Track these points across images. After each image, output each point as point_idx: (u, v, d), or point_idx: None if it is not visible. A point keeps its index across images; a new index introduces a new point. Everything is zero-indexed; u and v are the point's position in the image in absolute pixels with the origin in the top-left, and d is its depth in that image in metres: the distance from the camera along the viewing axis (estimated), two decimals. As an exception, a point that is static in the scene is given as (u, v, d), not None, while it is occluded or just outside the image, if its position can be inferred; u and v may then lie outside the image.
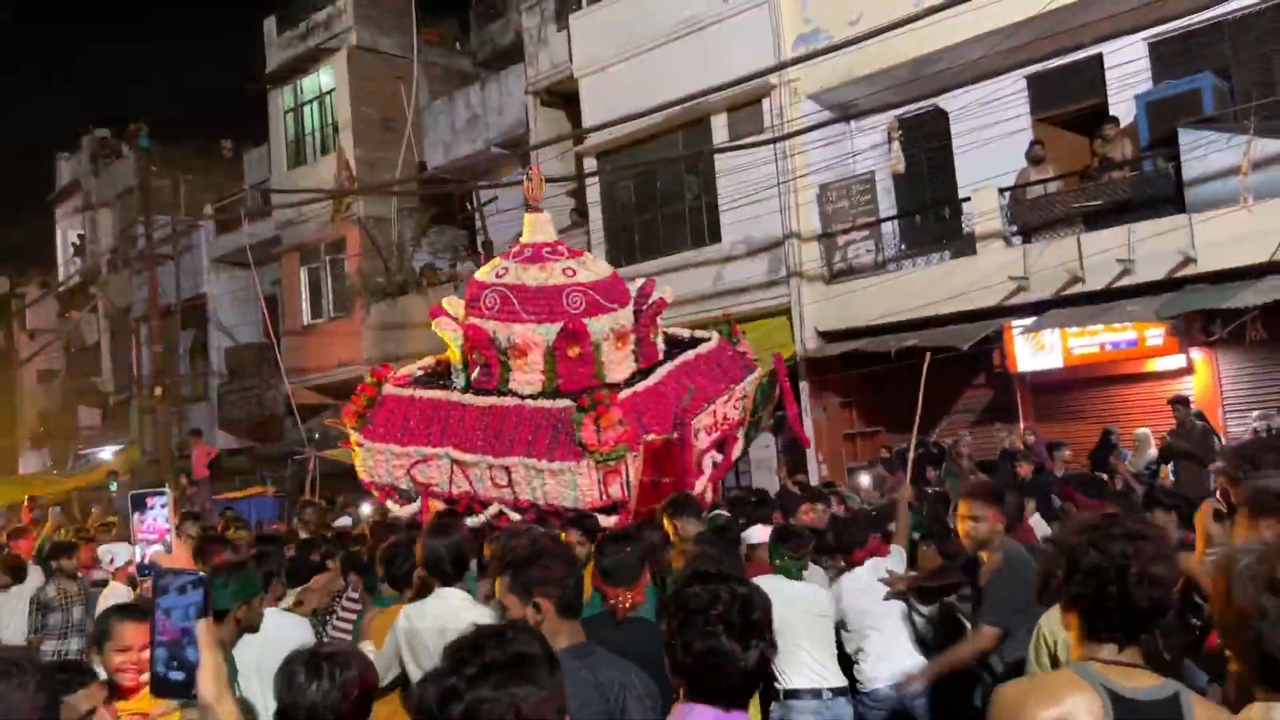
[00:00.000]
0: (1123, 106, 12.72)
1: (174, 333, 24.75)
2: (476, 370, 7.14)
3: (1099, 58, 13.06)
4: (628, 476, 6.46)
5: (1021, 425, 12.80)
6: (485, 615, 4.16)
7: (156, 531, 1.84)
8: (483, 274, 7.44)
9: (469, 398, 7.06)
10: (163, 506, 1.90)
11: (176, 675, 1.66)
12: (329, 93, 21.90)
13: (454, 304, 7.52)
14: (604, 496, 6.48)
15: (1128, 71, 12.68)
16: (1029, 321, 12.42)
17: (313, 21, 22.01)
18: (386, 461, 7.15)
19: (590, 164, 16.74)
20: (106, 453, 27.26)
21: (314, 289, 22.58)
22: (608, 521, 6.52)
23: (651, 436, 6.54)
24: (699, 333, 8.11)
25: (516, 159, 18.81)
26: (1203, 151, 11.07)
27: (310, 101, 22.44)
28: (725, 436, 7.39)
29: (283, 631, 4.27)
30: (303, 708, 2.56)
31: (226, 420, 24.20)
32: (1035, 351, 12.87)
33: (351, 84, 21.18)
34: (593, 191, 16.80)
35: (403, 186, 20.68)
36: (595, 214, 16.64)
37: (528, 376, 6.95)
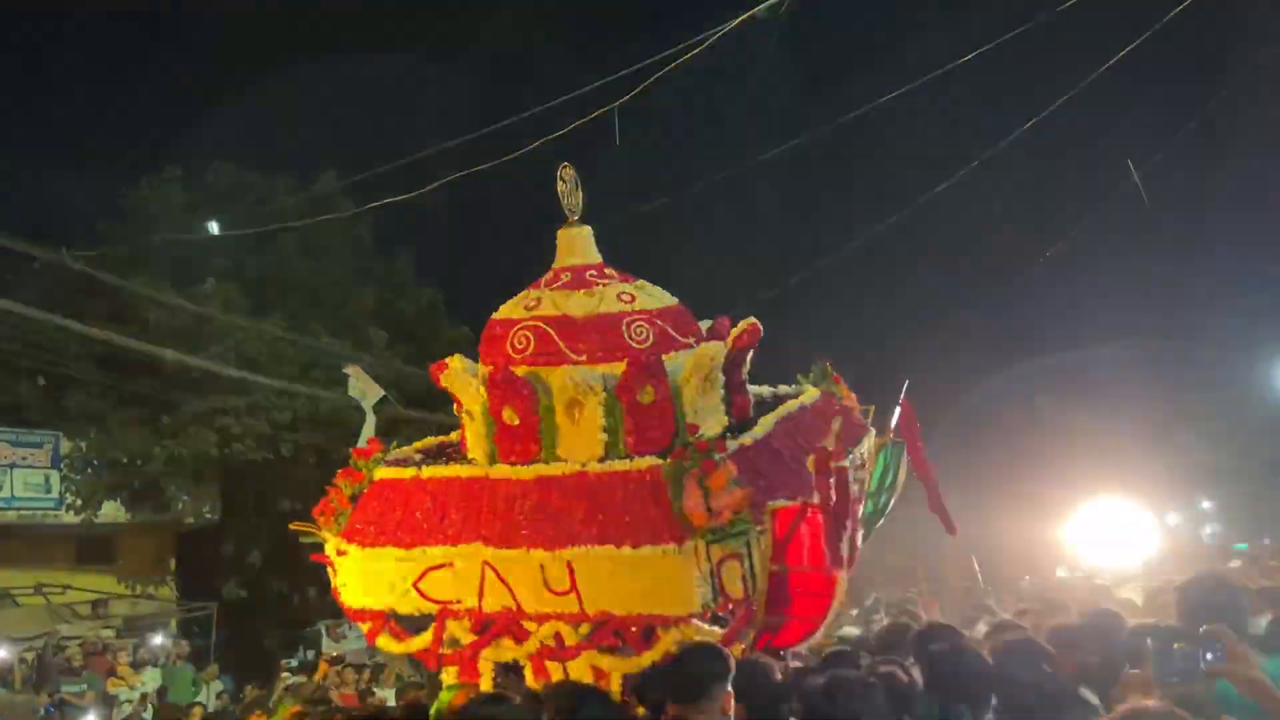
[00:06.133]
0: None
1: None
2: (506, 437, 5.15)
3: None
4: (752, 564, 4.53)
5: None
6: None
7: None
8: (505, 311, 5.46)
9: (501, 470, 5.07)
10: None
11: None
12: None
13: (462, 364, 5.42)
14: (719, 597, 4.53)
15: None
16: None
17: None
18: (382, 574, 5.07)
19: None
20: None
21: None
22: (709, 633, 4.66)
23: (781, 503, 4.64)
24: (784, 388, 6.11)
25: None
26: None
27: None
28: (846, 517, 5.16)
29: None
30: None
31: None
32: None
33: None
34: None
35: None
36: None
37: (582, 439, 5.02)
